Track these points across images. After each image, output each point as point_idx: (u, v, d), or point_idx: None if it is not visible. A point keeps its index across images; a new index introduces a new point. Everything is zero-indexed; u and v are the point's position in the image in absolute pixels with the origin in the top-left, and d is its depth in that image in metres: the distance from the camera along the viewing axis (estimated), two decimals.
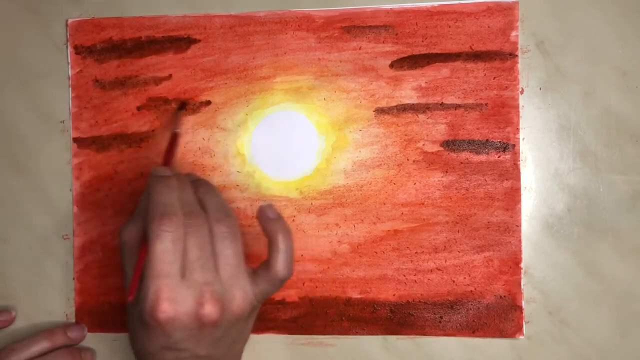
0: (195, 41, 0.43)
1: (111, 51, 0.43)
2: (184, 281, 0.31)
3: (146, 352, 0.33)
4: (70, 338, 0.41)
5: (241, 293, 0.32)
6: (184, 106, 0.42)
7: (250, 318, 0.35)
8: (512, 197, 0.41)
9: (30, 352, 0.40)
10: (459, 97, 0.41)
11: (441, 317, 0.41)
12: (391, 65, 0.41)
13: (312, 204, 0.42)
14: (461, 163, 0.41)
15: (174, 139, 0.40)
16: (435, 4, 0.41)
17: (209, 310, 0.31)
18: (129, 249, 0.34)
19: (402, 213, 0.41)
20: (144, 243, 0.32)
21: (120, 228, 0.34)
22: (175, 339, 0.31)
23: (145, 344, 0.32)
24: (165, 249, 0.30)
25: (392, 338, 0.41)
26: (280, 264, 0.33)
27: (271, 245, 0.34)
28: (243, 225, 0.42)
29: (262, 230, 0.34)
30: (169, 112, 0.42)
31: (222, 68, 0.42)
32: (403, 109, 0.41)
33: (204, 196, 0.34)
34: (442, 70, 0.41)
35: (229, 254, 0.32)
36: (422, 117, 0.41)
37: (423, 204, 0.41)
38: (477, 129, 0.41)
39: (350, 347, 0.42)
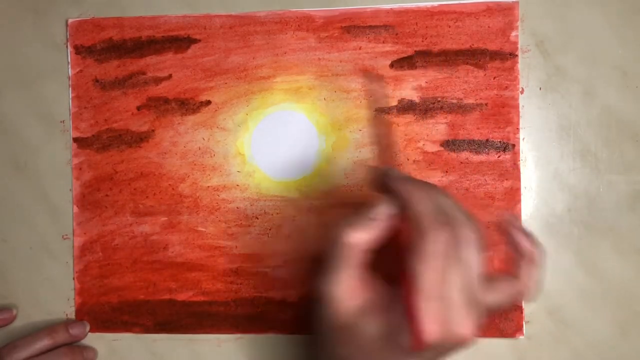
0: (195, 41, 0.43)
1: (111, 51, 0.43)
2: (449, 299, 0.27)
3: None
4: (72, 335, 0.42)
5: (478, 315, 0.27)
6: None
7: None
8: (512, 197, 0.41)
9: (32, 349, 0.40)
10: (459, 97, 0.41)
11: None
12: (391, 65, 0.41)
13: (312, 204, 0.42)
14: (461, 163, 0.41)
15: (383, 125, 0.34)
16: (435, 4, 0.41)
17: (467, 330, 0.27)
18: (353, 254, 0.30)
19: None
20: (401, 257, 0.28)
21: (340, 228, 0.30)
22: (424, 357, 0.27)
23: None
24: (438, 265, 0.27)
25: None
26: (531, 278, 0.30)
27: (523, 258, 0.31)
28: (243, 226, 0.42)
29: (510, 243, 0.31)
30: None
31: (222, 68, 0.42)
32: (403, 109, 0.41)
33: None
34: (442, 70, 0.41)
35: (474, 263, 0.28)
36: (422, 117, 0.41)
37: None
38: (477, 129, 0.41)
39: None
